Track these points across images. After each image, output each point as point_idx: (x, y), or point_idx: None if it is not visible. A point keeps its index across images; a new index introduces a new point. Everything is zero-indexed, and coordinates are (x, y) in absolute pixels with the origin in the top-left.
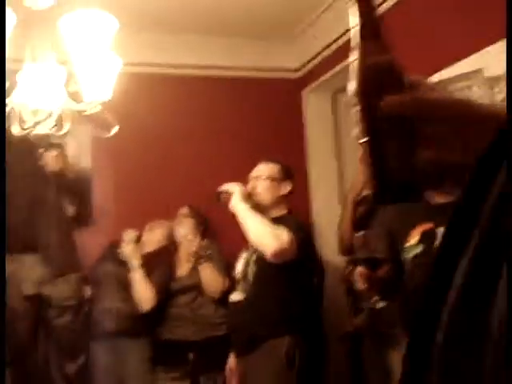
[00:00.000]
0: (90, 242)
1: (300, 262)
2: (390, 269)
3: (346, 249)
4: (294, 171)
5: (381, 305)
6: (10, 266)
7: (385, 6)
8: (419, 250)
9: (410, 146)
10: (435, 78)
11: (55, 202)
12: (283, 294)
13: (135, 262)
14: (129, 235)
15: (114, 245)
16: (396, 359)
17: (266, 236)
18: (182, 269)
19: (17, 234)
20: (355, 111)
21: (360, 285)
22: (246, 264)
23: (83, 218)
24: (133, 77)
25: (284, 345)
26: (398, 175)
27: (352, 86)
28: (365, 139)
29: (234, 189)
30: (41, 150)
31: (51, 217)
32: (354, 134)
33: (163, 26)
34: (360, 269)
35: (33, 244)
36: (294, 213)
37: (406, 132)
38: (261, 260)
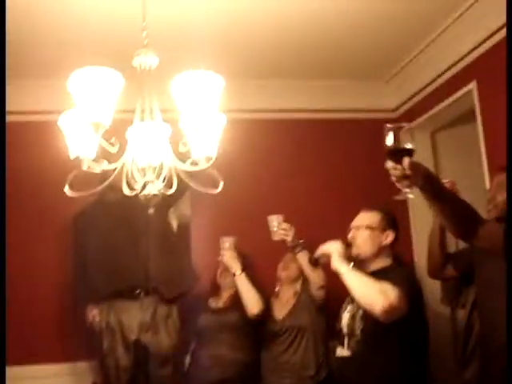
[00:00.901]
0: None
1: (410, 317)
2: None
3: (436, 269)
4: (397, 218)
5: (411, 196)
6: (116, 314)
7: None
8: None
9: None
10: None
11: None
12: (393, 354)
13: (238, 266)
14: (227, 242)
15: (205, 297)
16: None
17: (372, 295)
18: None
19: (125, 282)
20: None
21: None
22: (352, 318)
23: None
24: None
25: None
26: None
27: None
28: None
29: (331, 249)
30: (150, 210)
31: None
32: None
33: (263, 72)
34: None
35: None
36: (401, 262)
37: None
38: (369, 316)
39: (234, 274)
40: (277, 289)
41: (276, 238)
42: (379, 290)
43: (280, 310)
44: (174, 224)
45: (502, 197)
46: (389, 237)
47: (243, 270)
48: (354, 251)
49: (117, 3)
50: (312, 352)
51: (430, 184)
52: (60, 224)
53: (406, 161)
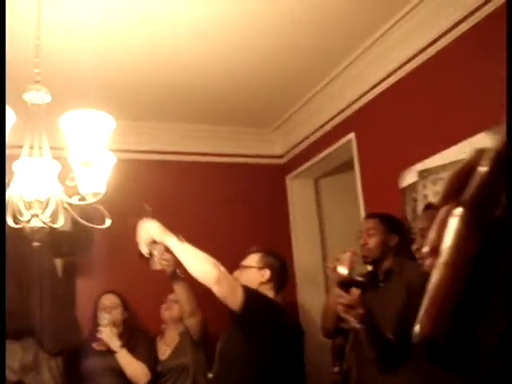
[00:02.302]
0: None
1: (260, 337)
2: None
3: (329, 332)
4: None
5: (357, 325)
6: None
7: (377, 91)
8: None
9: None
10: (419, 167)
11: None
12: (245, 372)
13: (116, 343)
14: (105, 318)
15: (86, 341)
16: None
17: (205, 265)
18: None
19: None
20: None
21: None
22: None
23: None
24: (126, 164)
25: None
26: None
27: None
28: None
29: (151, 230)
30: (35, 244)
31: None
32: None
33: (157, 115)
34: (336, 290)
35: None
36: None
37: None
38: (225, 336)
39: (115, 352)
40: (163, 327)
41: (156, 267)
42: (213, 262)
43: (164, 351)
44: (59, 268)
45: (372, 242)
46: (266, 274)
47: (123, 345)
48: None
49: (10, 37)
50: None
51: (368, 321)
52: None
53: (356, 292)
